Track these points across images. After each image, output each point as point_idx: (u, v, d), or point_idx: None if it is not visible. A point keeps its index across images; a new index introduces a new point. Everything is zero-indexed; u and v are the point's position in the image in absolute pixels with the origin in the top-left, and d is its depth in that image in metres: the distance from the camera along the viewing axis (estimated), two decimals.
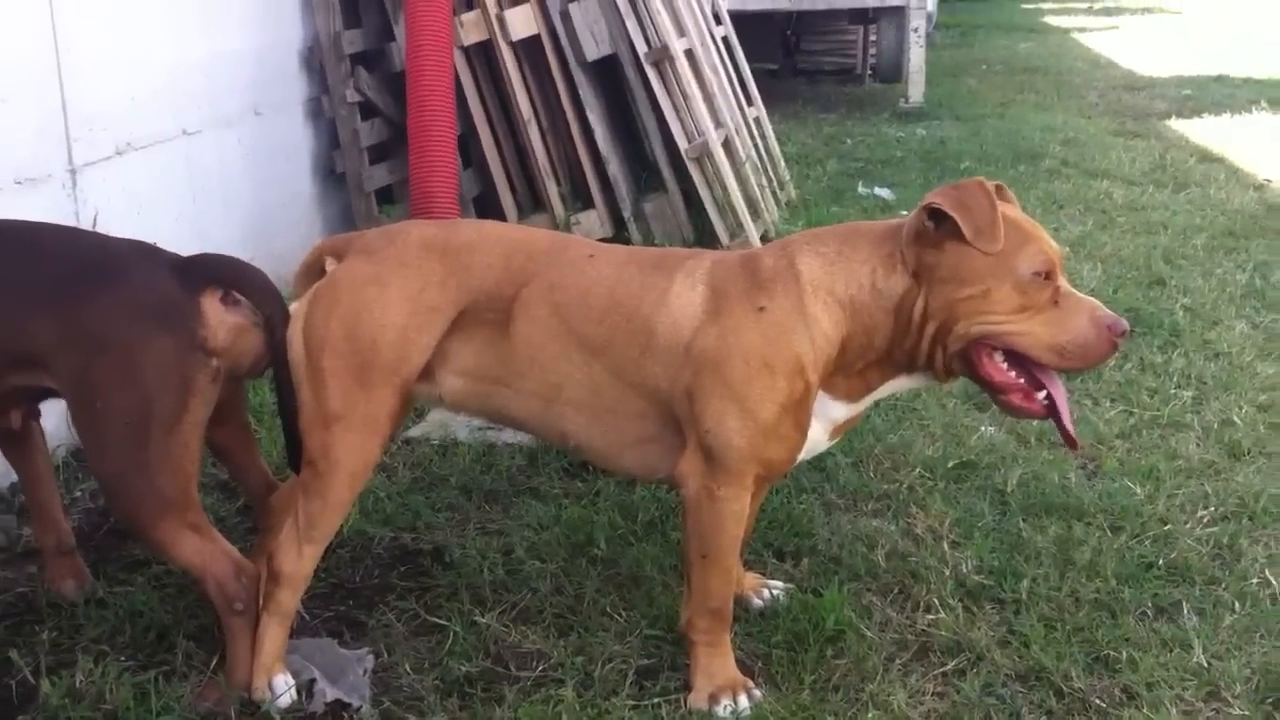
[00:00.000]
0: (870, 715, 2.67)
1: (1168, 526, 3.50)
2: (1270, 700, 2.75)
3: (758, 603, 3.14)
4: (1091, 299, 2.60)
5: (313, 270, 2.94)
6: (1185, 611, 3.11)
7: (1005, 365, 2.63)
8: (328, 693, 2.81)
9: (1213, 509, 3.63)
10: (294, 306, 2.85)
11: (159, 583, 3.24)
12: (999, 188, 2.71)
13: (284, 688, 2.79)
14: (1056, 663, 2.86)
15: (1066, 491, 3.70)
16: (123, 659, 2.92)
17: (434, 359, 2.82)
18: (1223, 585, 3.23)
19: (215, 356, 2.72)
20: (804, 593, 3.16)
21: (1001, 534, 3.47)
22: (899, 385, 2.77)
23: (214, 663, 2.84)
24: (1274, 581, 3.22)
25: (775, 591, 3.17)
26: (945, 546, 3.39)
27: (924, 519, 3.56)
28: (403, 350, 2.76)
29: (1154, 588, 3.20)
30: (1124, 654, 2.89)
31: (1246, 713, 2.69)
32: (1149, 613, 3.11)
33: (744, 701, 2.73)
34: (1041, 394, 2.64)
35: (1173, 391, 4.55)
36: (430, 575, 3.32)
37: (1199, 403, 4.48)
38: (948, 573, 3.25)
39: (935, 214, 2.58)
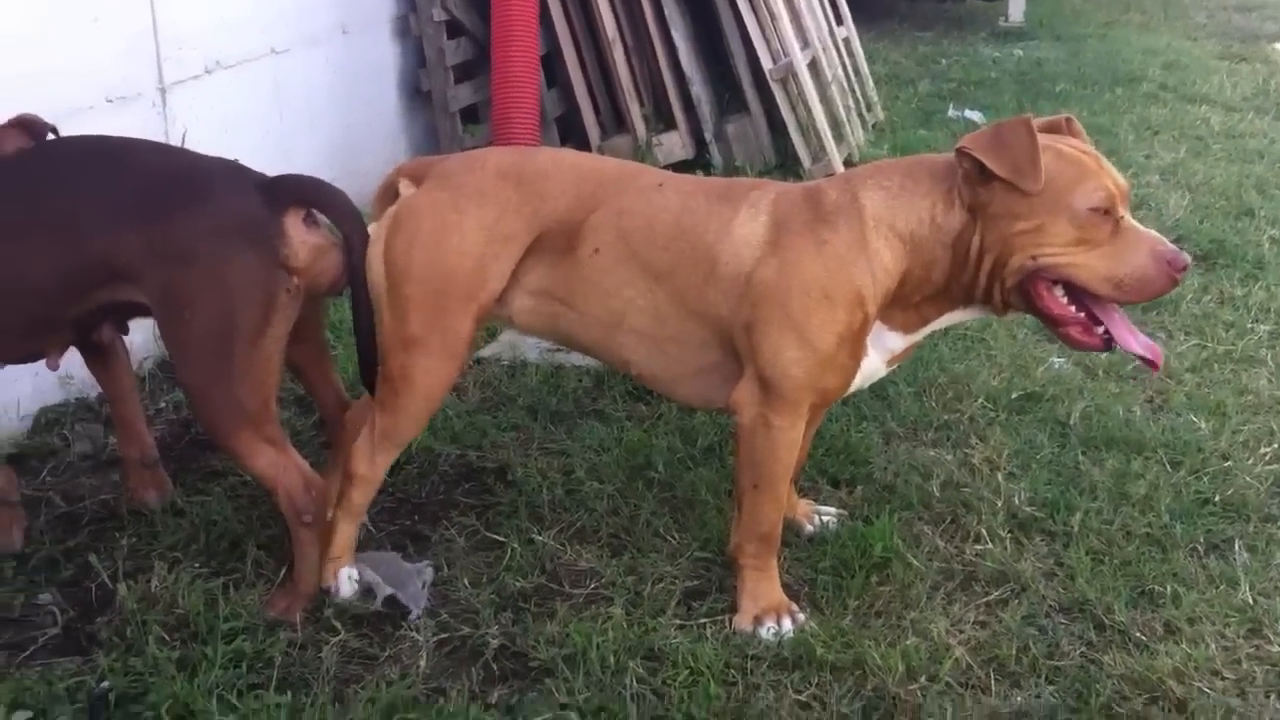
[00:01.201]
0: (910, 641, 2.73)
1: (1228, 463, 3.49)
2: None
3: (809, 529, 3.20)
4: (1152, 232, 2.59)
5: (390, 192, 3.01)
6: (1236, 548, 3.11)
7: (1064, 298, 2.64)
8: (386, 590, 2.94)
9: (1276, 446, 3.60)
10: (372, 228, 2.93)
11: (234, 494, 3.38)
12: (1067, 120, 2.70)
13: (347, 580, 2.93)
14: (1100, 595, 2.89)
15: (1129, 425, 3.70)
16: (196, 565, 3.06)
17: (508, 283, 2.90)
18: (1278, 523, 3.21)
19: (296, 274, 2.81)
20: (855, 520, 3.21)
21: (1059, 466, 3.48)
22: (956, 318, 2.79)
23: (282, 573, 2.97)
24: None
25: (826, 518, 3.23)
26: (1000, 478, 3.41)
27: (982, 450, 3.58)
28: (480, 277, 2.84)
29: (1207, 524, 3.20)
30: (1169, 589, 2.91)
31: None
32: (1200, 549, 3.11)
33: (787, 624, 2.80)
34: (1101, 328, 2.64)
35: (1250, 325, 4.49)
36: (492, 493, 3.42)
37: (1276, 337, 4.41)
38: (1000, 504, 3.27)
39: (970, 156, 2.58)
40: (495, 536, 3.19)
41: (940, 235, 2.65)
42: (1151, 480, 3.38)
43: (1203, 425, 3.72)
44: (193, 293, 2.75)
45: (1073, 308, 2.64)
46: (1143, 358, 2.65)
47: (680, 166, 5.94)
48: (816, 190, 2.78)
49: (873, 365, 2.80)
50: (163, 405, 4.01)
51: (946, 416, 3.79)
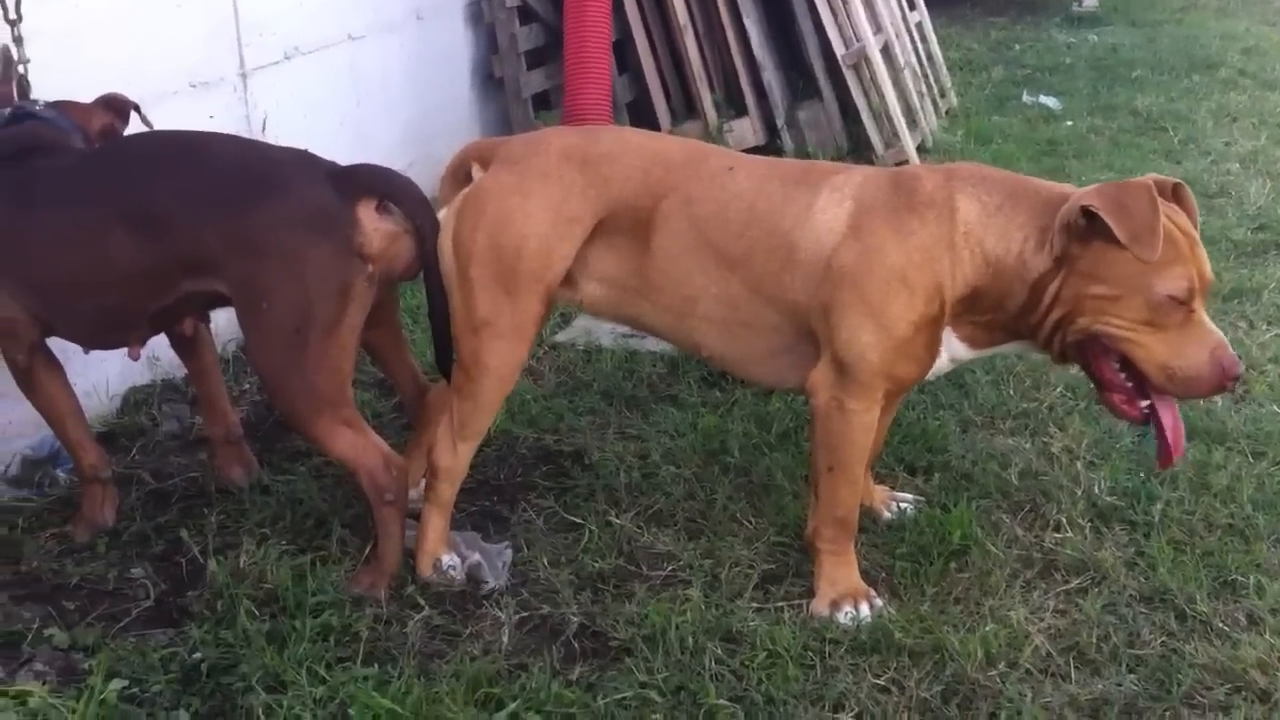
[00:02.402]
0: (988, 628, 2.73)
1: None
2: None
3: (886, 515, 3.20)
4: (1218, 335, 2.58)
5: (459, 175, 3.05)
6: None
7: (1117, 366, 2.65)
8: (473, 558, 2.99)
9: None
10: (442, 214, 2.97)
11: (318, 473, 3.45)
12: (1177, 187, 2.68)
13: (451, 564, 2.98)
14: (1182, 585, 2.87)
15: (1210, 415, 3.66)
16: (283, 543, 3.11)
17: (575, 266, 2.93)
18: None
19: (370, 262, 2.86)
20: (932, 508, 3.21)
21: (1139, 456, 3.46)
22: (1020, 349, 2.80)
23: (367, 550, 3.02)
24: None
25: (904, 505, 3.23)
26: (1079, 467, 3.40)
27: (1061, 439, 3.57)
28: (545, 259, 2.87)
29: None
30: (1252, 580, 2.89)
31: None
32: None
33: (865, 610, 2.81)
34: (1145, 403, 2.65)
35: None
36: (569, 476, 3.46)
37: None
38: (1079, 492, 3.26)
39: (1089, 212, 2.56)
40: (573, 519, 3.23)
41: (1023, 271, 2.65)
42: (1233, 471, 3.35)
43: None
44: (270, 284, 2.81)
45: (1123, 375, 2.65)
46: (1163, 449, 2.67)
47: (752, 153, 5.94)
48: (911, 178, 2.77)
49: (942, 364, 2.81)
50: (246, 387, 4.08)
51: (1025, 405, 3.78)
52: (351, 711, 2.44)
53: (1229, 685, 2.58)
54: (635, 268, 2.93)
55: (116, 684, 2.59)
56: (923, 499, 3.28)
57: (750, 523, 3.19)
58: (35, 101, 3.22)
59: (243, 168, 2.91)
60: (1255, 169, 6.24)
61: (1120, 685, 2.59)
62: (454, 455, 2.98)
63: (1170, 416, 2.68)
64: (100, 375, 3.76)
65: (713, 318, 2.90)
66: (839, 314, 2.72)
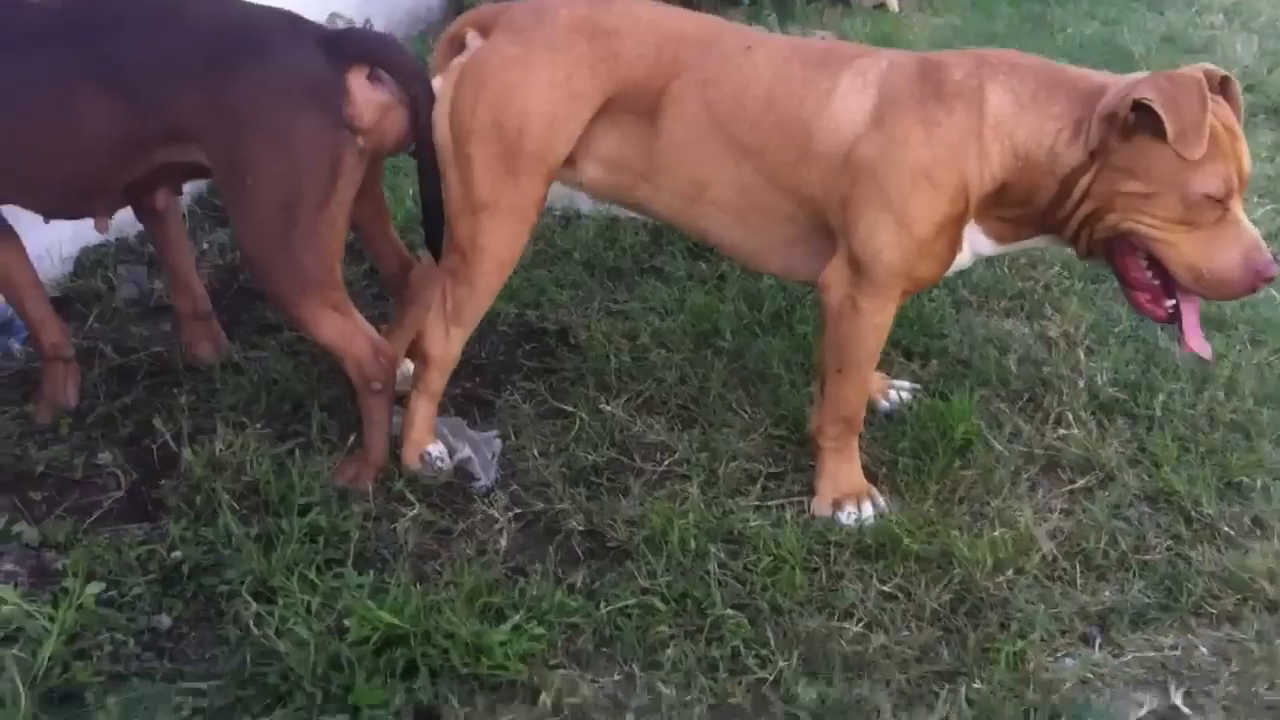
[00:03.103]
0: (996, 533, 2.67)
1: None
2: None
3: (884, 405, 3.12)
4: (1253, 234, 2.46)
5: (455, 43, 2.84)
6: None
7: (1144, 264, 2.53)
8: (463, 452, 2.88)
9: None
10: (437, 83, 2.77)
11: (291, 349, 3.29)
12: (1225, 80, 2.52)
13: (438, 454, 2.87)
14: (1188, 486, 2.82)
15: (1208, 301, 3.58)
16: (259, 427, 2.98)
17: (577, 145, 2.75)
18: None
19: (361, 135, 2.67)
20: (931, 396, 3.13)
21: (1138, 342, 3.39)
22: (1045, 243, 2.68)
23: (351, 440, 2.90)
24: None
25: (903, 394, 3.15)
26: (1080, 354, 3.32)
27: (1059, 322, 3.49)
28: (549, 138, 2.70)
29: None
30: (1258, 481, 2.85)
31: None
32: None
33: (868, 509, 2.74)
34: (1170, 302, 2.54)
35: None
36: (555, 356, 3.33)
37: None
38: (1081, 384, 3.19)
39: (1139, 105, 2.40)
40: (562, 406, 3.11)
41: (1054, 165, 2.51)
42: (1234, 360, 3.30)
43: (1276, 295, 3.61)
44: (256, 158, 2.62)
45: (1150, 274, 2.54)
46: (1197, 351, 2.59)
47: None
48: (937, 66, 2.60)
49: (964, 260, 2.69)
50: (205, 246, 3.89)
51: (1020, 284, 3.68)
52: (348, 623, 2.34)
53: (1237, 595, 2.54)
54: (642, 150, 2.76)
55: (94, 587, 2.47)
56: (920, 386, 3.19)
57: (746, 412, 3.09)
58: None
59: (225, 29, 2.68)
60: (1239, 22, 6.10)
61: (1127, 593, 2.55)
62: (446, 343, 2.85)
63: (1194, 318, 2.58)
64: (53, 237, 3.53)
65: (723, 205, 2.75)
66: (857, 210, 2.58)
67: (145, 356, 3.29)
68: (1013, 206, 2.60)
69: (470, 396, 3.19)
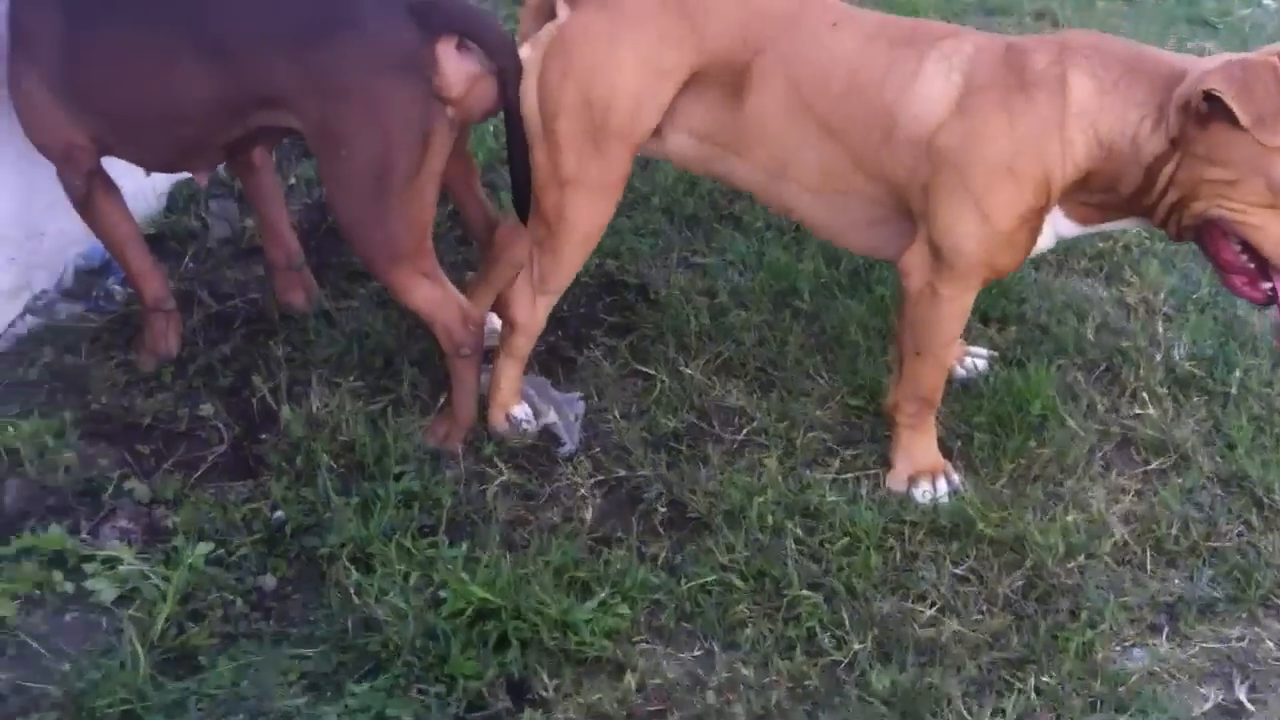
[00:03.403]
0: (1069, 519, 2.73)
1: None
2: None
3: (961, 372, 3.17)
4: None
5: (543, 7, 2.86)
6: None
7: (1238, 247, 2.53)
8: (548, 417, 2.99)
9: None
10: (524, 51, 2.80)
11: (380, 299, 3.37)
12: None
13: (524, 416, 2.97)
14: (1261, 472, 2.87)
15: None
16: (352, 380, 3.09)
17: (664, 116, 2.79)
18: None
19: (451, 105, 2.72)
20: (1008, 365, 3.17)
21: (1217, 310, 3.40)
22: (1133, 224, 2.69)
23: (440, 400, 3.00)
24: None
25: (979, 362, 3.19)
26: (1159, 324, 3.34)
27: (1138, 287, 3.50)
28: (636, 114, 2.74)
29: None
30: None
31: None
32: None
33: (942, 486, 2.82)
34: (1267, 284, 2.54)
35: None
36: (635, 312, 3.40)
37: None
38: (1158, 357, 3.22)
39: (1211, 94, 2.40)
40: (643, 368, 3.18)
41: (1138, 154, 2.51)
42: None
43: None
44: (349, 130, 2.68)
45: (1244, 257, 2.54)
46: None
47: None
48: (1021, 52, 2.60)
49: (1045, 243, 2.71)
50: (293, 181, 3.96)
51: (1100, 244, 3.68)
52: (444, 595, 2.46)
53: None
54: (727, 123, 2.79)
55: (203, 547, 2.60)
56: (996, 354, 3.24)
57: (823, 378, 3.16)
58: None
59: None
60: None
61: (1197, 582, 2.62)
62: (532, 310, 2.92)
63: None
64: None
65: (806, 183, 2.79)
66: (938, 199, 2.61)
67: (241, 303, 3.39)
68: (1098, 192, 2.62)
69: (554, 351, 3.27)
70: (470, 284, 3.11)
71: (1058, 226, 2.70)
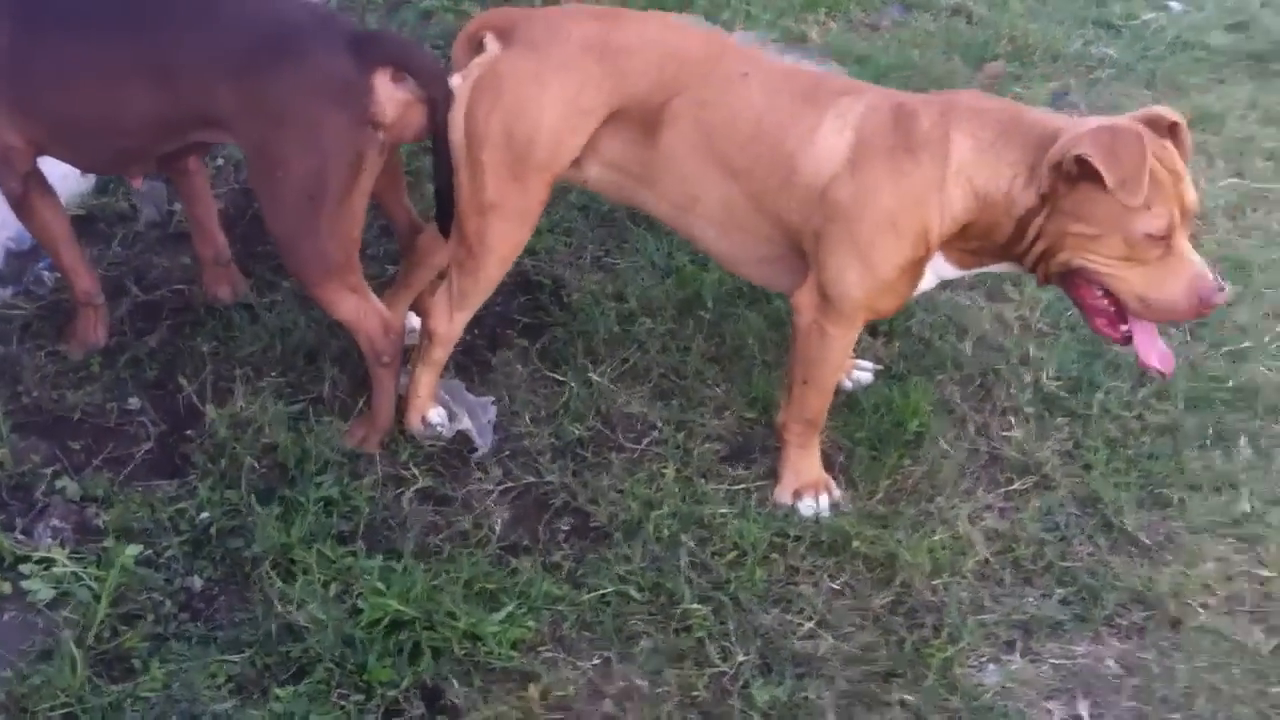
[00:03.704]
0: (937, 536, 2.99)
1: (1246, 344, 3.66)
2: None
3: (848, 384, 3.40)
4: (1197, 265, 2.69)
5: (474, 41, 3.02)
6: (1242, 444, 3.34)
7: (1099, 293, 2.77)
8: (462, 422, 3.18)
9: None
10: (455, 79, 2.95)
11: (301, 295, 3.52)
12: (1173, 126, 2.73)
13: (439, 420, 3.17)
14: (1113, 494, 3.14)
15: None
16: (274, 375, 3.26)
17: (583, 149, 2.97)
18: None
19: (383, 130, 2.88)
20: (890, 379, 3.42)
21: (1085, 329, 3.64)
22: (1007, 268, 2.92)
23: (359, 404, 3.18)
24: None
25: (864, 374, 3.43)
26: (1030, 344, 3.59)
27: (1017, 304, 3.74)
28: (556, 149, 2.92)
29: (1218, 414, 3.41)
30: (1175, 495, 3.16)
31: (1273, 573, 2.99)
32: (1209, 442, 3.34)
33: (824, 501, 3.06)
34: (1125, 326, 2.80)
35: None
36: (547, 312, 3.59)
37: None
38: (1028, 377, 3.47)
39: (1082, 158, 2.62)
40: (553, 374, 3.38)
41: (1011, 207, 2.74)
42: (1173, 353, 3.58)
43: (1228, 288, 3.86)
44: (286, 153, 2.84)
45: (1105, 301, 2.78)
46: (1154, 368, 2.83)
47: None
48: (909, 114, 2.81)
49: (926, 284, 2.95)
50: (220, 163, 4.07)
51: None
52: (361, 605, 2.67)
53: (1145, 610, 2.89)
54: (642, 158, 2.98)
55: (133, 549, 2.78)
56: (881, 367, 3.48)
57: (720, 388, 3.38)
58: None
59: (261, 25, 2.87)
60: None
61: (1050, 599, 2.89)
62: (450, 323, 3.11)
63: (1147, 337, 2.83)
64: None
65: (711, 218, 2.99)
66: (827, 247, 2.83)
67: (168, 293, 3.54)
68: (974, 240, 2.85)
69: (469, 352, 3.44)
70: (393, 289, 3.29)
71: (939, 269, 2.93)
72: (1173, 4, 5.61)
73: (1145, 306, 2.75)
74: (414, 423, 3.17)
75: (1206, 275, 2.72)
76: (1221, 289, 2.74)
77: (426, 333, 3.13)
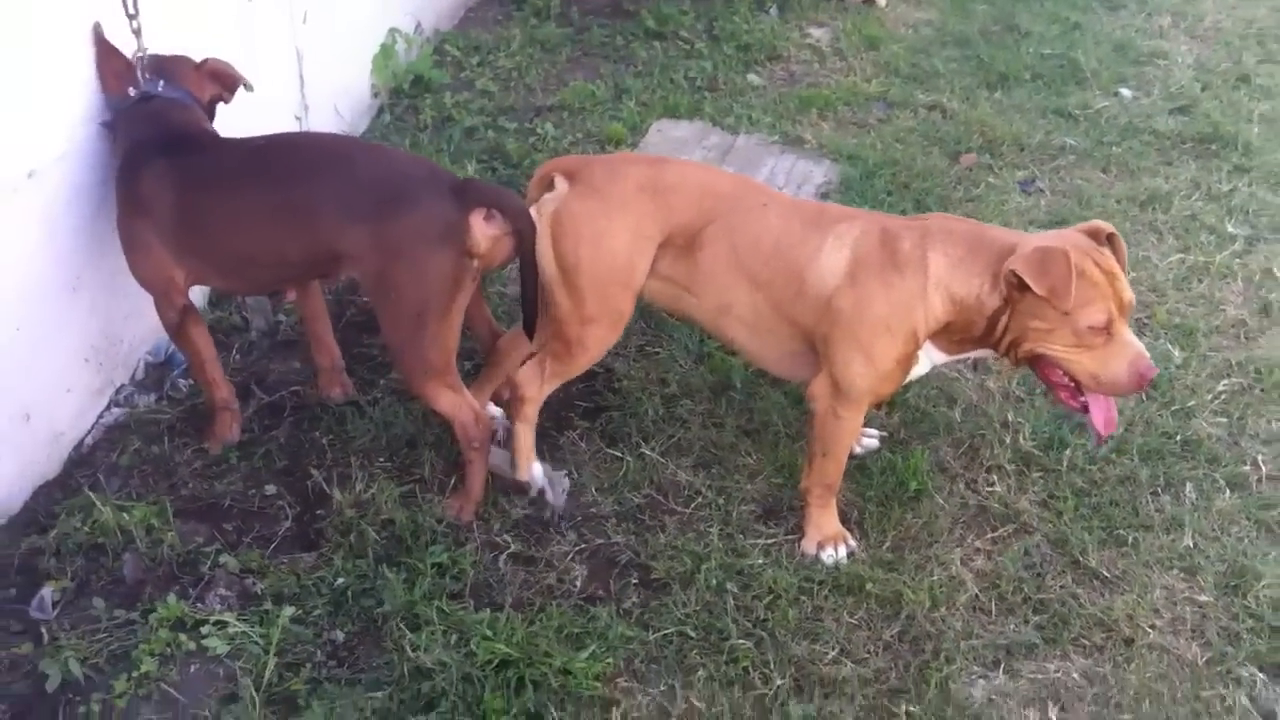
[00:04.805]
0: (935, 576, 3.67)
1: (1192, 402, 4.35)
2: (1230, 586, 3.69)
3: (859, 450, 4.09)
4: (1136, 347, 3.36)
5: (544, 182, 3.74)
6: (1188, 489, 4.02)
7: (1060, 372, 3.45)
8: (557, 488, 3.87)
9: (1231, 379, 4.47)
10: (533, 210, 3.65)
11: (398, 391, 4.22)
12: (1111, 236, 3.43)
13: (539, 471, 3.87)
14: (1080, 536, 3.82)
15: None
16: (383, 461, 3.95)
17: None
18: (1222, 465, 4.12)
19: (477, 259, 3.57)
20: (894, 444, 4.10)
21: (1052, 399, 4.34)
22: (986, 354, 3.61)
23: (453, 481, 3.86)
24: (1263, 465, 4.11)
25: (871, 441, 4.12)
26: (1010, 410, 4.27)
27: (996, 375, 4.43)
28: (631, 269, 3.64)
29: (1168, 464, 4.09)
30: (1130, 536, 3.84)
31: (1210, 598, 3.66)
32: (1160, 489, 4.02)
33: (843, 550, 3.74)
34: (1082, 398, 3.47)
35: (1230, 231, 5.25)
36: (603, 396, 4.28)
37: (1250, 245, 5.19)
38: (1008, 439, 4.16)
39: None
40: (612, 451, 4.07)
41: (981, 308, 3.43)
42: (1129, 416, 4.26)
43: (1176, 353, 4.56)
44: (401, 280, 3.52)
45: (1066, 378, 3.46)
46: (1096, 432, 3.49)
47: None
48: (894, 237, 3.50)
49: (921, 369, 3.63)
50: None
51: None
52: (475, 649, 3.34)
53: (1104, 632, 3.55)
54: (686, 273, 3.68)
55: (289, 610, 3.45)
56: (886, 434, 4.16)
57: (752, 459, 4.06)
58: (154, 80, 3.79)
59: (384, 179, 3.55)
60: (1184, 27, 6.86)
61: (1028, 625, 3.56)
62: (539, 390, 3.82)
63: (1101, 407, 3.50)
64: None
65: (743, 321, 3.69)
66: (834, 346, 3.52)
67: (286, 394, 4.23)
68: (955, 334, 3.54)
69: (541, 435, 4.12)
70: (476, 384, 3.99)
71: (931, 356, 3.62)
72: (1124, 90, 6.31)
73: (1097, 383, 3.43)
74: (523, 473, 3.87)
75: (1144, 355, 3.40)
76: (1154, 366, 3.41)
77: (519, 397, 3.82)
